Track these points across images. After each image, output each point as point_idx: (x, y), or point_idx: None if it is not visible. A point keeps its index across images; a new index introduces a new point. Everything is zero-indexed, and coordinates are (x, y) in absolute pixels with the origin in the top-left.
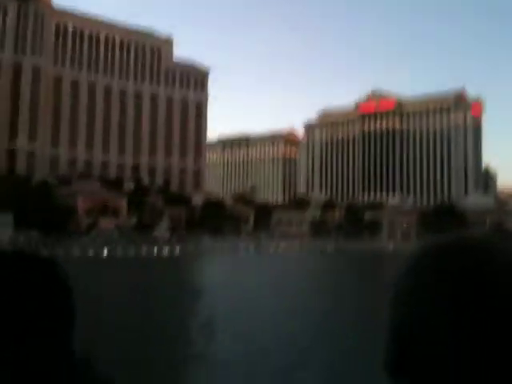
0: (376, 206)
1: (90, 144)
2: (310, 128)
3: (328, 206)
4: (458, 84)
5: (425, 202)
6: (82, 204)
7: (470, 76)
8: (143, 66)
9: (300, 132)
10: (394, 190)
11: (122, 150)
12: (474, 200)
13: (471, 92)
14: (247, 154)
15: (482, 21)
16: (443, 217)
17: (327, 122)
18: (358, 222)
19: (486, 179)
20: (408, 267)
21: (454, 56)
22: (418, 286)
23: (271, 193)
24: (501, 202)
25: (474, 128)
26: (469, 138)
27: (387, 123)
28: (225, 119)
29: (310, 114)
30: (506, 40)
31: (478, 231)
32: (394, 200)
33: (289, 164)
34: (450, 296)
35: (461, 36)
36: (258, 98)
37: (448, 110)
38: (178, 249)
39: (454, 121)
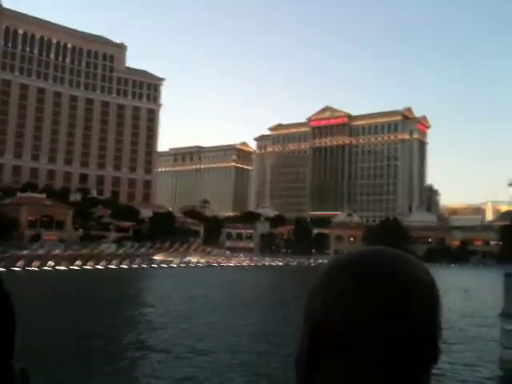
0: (323, 222)
1: (36, 152)
2: (262, 141)
3: (277, 220)
4: (405, 103)
5: (371, 218)
6: (25, 215)
7: (417, 97)
8: (95, 73)
9: (252, 145)
10: (341, 205)
11: (69, 159)
12: (417, 217)
13: (417, 112)
14: (199, 166)
15: (429, 43)
16: (388, 232)
17: (279, 136)
18: (306, 236)
19: (430, 196)
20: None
21: (402, 77)
22: (314, 288)
23: (222, 205)
24: (443, 218)
25: (419, 145)
26: (414, 155)
27: (337, 138)
28: (177, 130)
29: (263, 128)
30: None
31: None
32: (341, 215)
33: (241, 177)
34: (332, 296)
35: (408, 58)
36: (211, 111)
37: (395, 126)
38: (125, 263)
39: (401, 137)
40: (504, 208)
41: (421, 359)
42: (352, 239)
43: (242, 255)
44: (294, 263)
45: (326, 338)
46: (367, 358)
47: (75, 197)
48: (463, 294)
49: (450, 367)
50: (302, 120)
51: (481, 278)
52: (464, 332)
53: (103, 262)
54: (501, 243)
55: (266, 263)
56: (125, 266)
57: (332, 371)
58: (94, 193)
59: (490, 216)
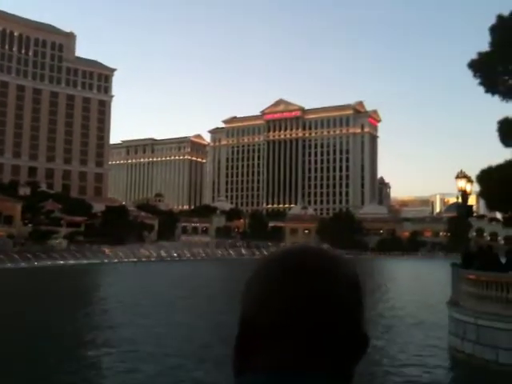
0: (279, 214)
1: None
2: (216, 134)
3: (233, 213)
4: (357, 98)
5: (324, 211)
6: None
7: (368, 92)
8: (43, 62)
9: (207, 138)
10: (296, 199)
11: (17, 151)
12: (369, 209)
13: (369, 106)
14: (152, 159)
15: (381, 38)
16: (341, 225)
17: (233, 129)
18: (261, 229)
19: (381, 189)
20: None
21: (354, 72)
22: (246, 284)
23: (176, 199)
24: (394, 211)
25: (370, 139)
26: (365, 148)
27: (291, 131)
28: (129, 122)
29: (217, 121)
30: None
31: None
32: (295, 208)
33: (195, 170)
34: (259, 287)
35: (360, 52)
36: (164, 103)
37: (347, 120)
38: (76, 258)
39: (353, 131)
40: (452, 200)
41: (342, 348)
42: (307, 231)
43: (198, 249)
44: (249, 256)
45: (253, 330)
46: (289, 345)
47: (24, 191)
48: (413, 282)
49: (400, 355)
50: (257, 113)
51: (430, 268)
52: (414, 320)
53: (54, 258)
54: (449, 234)
55: (221, 256)
56: (74, 262)
57: (259, 358)
58: (43, 186)
59: (438, 208)
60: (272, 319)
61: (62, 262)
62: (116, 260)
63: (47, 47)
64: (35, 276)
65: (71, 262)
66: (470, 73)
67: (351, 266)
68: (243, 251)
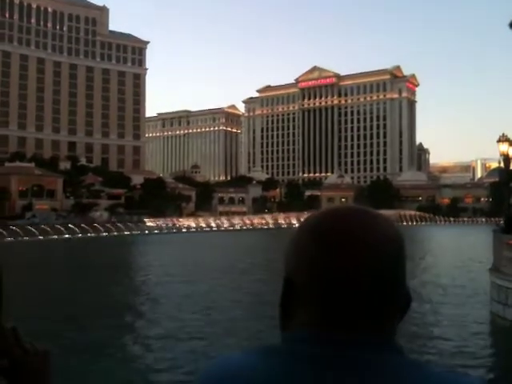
0: (315, 183)
1: (22, 121)
2: (250, 104)
3: (269, 183)
4: (394, 62)
5: (362, 179)
6: (15, 185)
7: (405, 56)
8: (77, 37)
9: (241, 108)
10: (332, 167)
11: (56, 127)
12: (408, 176)
13: (406, 71)
14: (188, 131)
15: (417, 3)
16: (379, 193)
17: (267, 98)
18: (297, 199)
19: (420, 155)
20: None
21: (390, 36)
22: (288, 246)
23: (213, 170)
24: (433, 177)
25: (408, 104)
26: (403, 114)
27: (326, 99)
28: (164, 95)
29: (251, 90)
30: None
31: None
32: (332, 177)
33: (230, 140)
34: (301, 246)
35: (397, 17)
36: (198, 74)
37: (384, 85)
38: (117, 230)
39: (390, 96)
40: (493, 165)
41: (378, 308)
42: (344, 200)
43: (235, 219)
44: (286, 225)
45: (296, 289)
46: (331, 304)
47: (64, 165)
48: (454, 249)
49: (441, 320)
50: (291, 81)
51: (471, 234)
52: (456, 286)
53: (97, 230)
54: (490, 200)
55: (259, 226)
56: (118, 233)
57: (300, 313)
58: (83, 161)
59: (479, 173)
60: (310, 277)
61: (105, 233)
62: (157, 231)
63: (81, 22)
64: (80, 246)
65: (114, 233)
66: (510, 33)
67: (391, 223)
68: (280, 220)
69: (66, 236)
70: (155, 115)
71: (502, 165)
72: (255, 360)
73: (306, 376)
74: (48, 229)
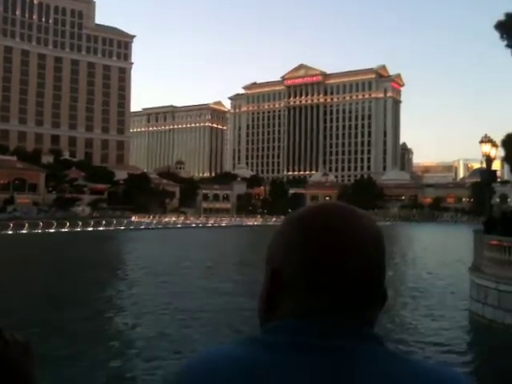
0: (300, 181)
1: (5, 114)
2: (236, 100)
3: (254, 180)
4: (379, 62)
5: (346, 177)
6: None
7: (391, 56)
8: (63, 30)
9: (227, 104)
10: (317, 165)
11: (40, 120)
12: (391, 175)
13: (392, 70)
14: (173, 126)
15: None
16: (362, 191)
17: (254, 95)
18: (282, 196)
19: (403, 155)
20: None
21: (377, 36)
22: (273, 239)
23: (197, 166)
24: (416, 177)
25: (393, 104)
26: (388, 113)
27: (312, 97)
28: (150, 90)
29: (237, 87)
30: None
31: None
32: (316, 175)
33: (215, 137)
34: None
35: (384, 16)
36: (184, 70)
37: (370, 84)
38: (100, 225)
39: (375, 96)
40: (476, 165)
41: (361, 302)
42: (327, 198)
43: (219, 216)
44: (272, 222)
45: (282, 279)
46: (317, 295)
47: (47, 159)
48: (435, 248)
49: (420, 318)
50: (277, 78)
51: (452, 233)
52: (436, 284)
53: (80, 225)
54: (472, 200)
55: (244, 223)
56: (101, 228)
57: (285, 305)
58: (66, 155)
59: (462, 173)
60: (300, 270)
61: (88, 228)
62: (142, 226)
63: (67, 15)
64: (63, 241)
65: (99, 228)
66: (496, 34)
67: (373, 219)
68: (264, 218)
69: (50, 230)
70: (140, 110)
71: (483, 165)
72: (238, 351)
73: (289, 365)
74: (29, 222)
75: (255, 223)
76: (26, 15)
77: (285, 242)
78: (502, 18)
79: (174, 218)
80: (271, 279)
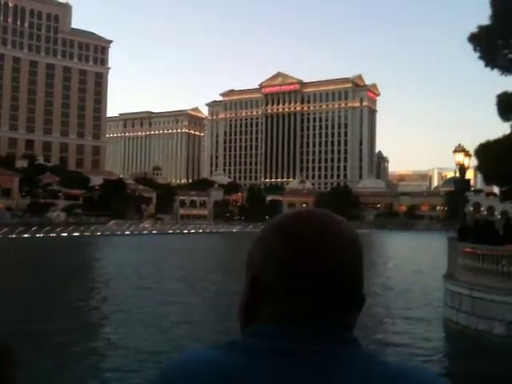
0: (277, 188)
1: None
2: (214, 107)
3: (231, 187)
4: (356, 72)
5: (322, 185)
6: None
7: (367, 66)
8: (39, 34)
9: (205, 111)
10: (294, 173)
11: (14, 124)
12: (367, 183)
13: (368, 80)
14: (150, 132)
15: (379, 11)
16: (339, 199)
17: (231, 102)
18: (259, 203)
19: (379, 163)
20: None
21: (353, 46)
22: (253, 246)
23: (174, 172)
24: (391, 185)
25: (369, 113)
26: (364, 122)
27: (289, 105)
28: (126, 95)
29: (215, 94)
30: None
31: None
32: (293, 182)
33: (193, 143)
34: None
35: (359, 27)
36: (162, 76)
37: (346, 93)
38: (74, 231)
39: (352, 105)
40: (449, 174)
41: (340, 307)
42: (304, 205)
43: (196, 222)
44: (249, 229)
45: (261, 286)
46: (296, 301)
47: (21, 164)
48: (410, 255)
49: (394, 325)
50: (255, 86)
51: (427, 241)
52: (410, 292)
53: (55, 231)
54: (446, 208)
55: (221, 230)
56: (77, 234)
57: (264, 310)
58: (40, 159)
59: (436, 182)
60: (279, 276)
61: (63, 234)
62: (118, 232)
63: (43, 18)
64: (37, 247)
65: (73, 234)
66: (469, 46)
67: (353, 229)
68: (240, 225)
69: (22, 236)
70: (117, 115)
71: (457, 174)
72: (216, 355)
73: (267, 371)
74: (4, 228)
75: (232, 230)
76: (1, 18)
77: (264, 248)
78: (474, 30)
79: (147, 225)
80: (250, 285)
